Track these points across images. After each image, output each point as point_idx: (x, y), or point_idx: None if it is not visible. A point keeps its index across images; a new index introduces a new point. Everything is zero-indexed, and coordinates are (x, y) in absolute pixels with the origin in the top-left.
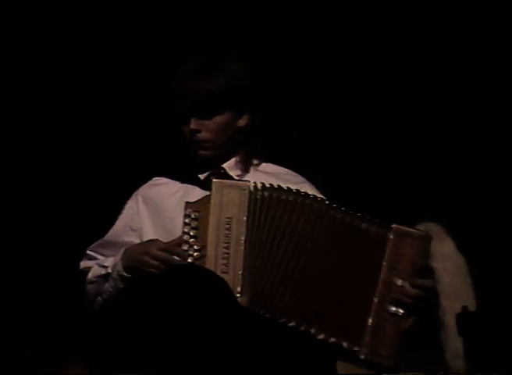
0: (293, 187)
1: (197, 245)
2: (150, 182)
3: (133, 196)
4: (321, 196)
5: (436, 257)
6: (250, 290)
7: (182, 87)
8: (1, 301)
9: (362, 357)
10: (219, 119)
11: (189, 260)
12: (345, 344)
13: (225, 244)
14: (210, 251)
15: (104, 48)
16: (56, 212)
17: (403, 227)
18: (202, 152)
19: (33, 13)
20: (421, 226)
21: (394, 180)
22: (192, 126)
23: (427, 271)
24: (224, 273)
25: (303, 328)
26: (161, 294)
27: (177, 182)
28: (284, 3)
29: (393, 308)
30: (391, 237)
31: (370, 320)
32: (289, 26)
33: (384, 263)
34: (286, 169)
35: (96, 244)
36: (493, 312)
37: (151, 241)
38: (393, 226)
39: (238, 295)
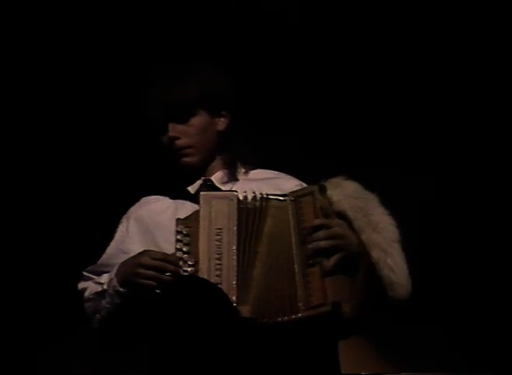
0: (284, 193)
1: (191, 261)
2: (139, 202)
3: (124, 219)
4: None
5: (341, 201)
6: (251, 299)
7: (154, 96)
8: (2, 302)
9: (300, 315)
10: (195, 121)
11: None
12: (300, 315)
13: (218, 256)
14: (203, 264)
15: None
16: (55, 215)
17: (297, 191)
18: (185, 160)
19: (34, 13)
20: (320, 183)
21: (402, 186)
22: (170, 133)
23: (339, 217)
24: (218, 284)
25: (274, 320)
26: (158, 305)
27: (167, 198)
28: (286, 7)
29: (311, 260)
30: (288, 203)
31: (298, 282)
32: (294, 32)
33: (292, 228)
34: (277, 173)
35: (91, 267)
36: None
37: (142, 252)
38: (288, 193)
39: (234, 305)
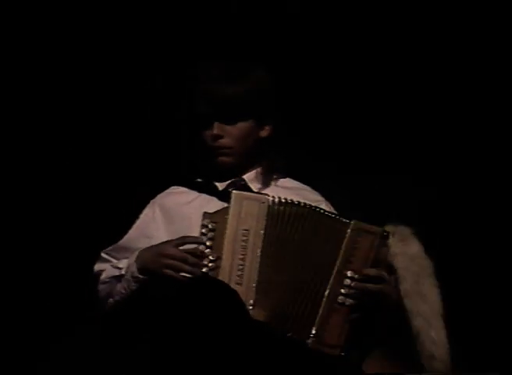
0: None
1: (213, 256)
2: (168, 190)
3: (150, 204)
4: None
5: (399, 257)
6: (268, 305)
7: (208, 90)
8: (1, 302)
9: (308, 342)
10: (243, 125)
11: (203, 270)
12: (308, 342)
13: (241, 256)
14: (225, 262)
15: (116, 49)
16: (69, 216)
17: (362, 223)
18: (222, 159)
19: (33, 13)
20: (390, 227)
21: (406, 193)
22: (215, 131)
23: (388, 269)
24: (238, 284)
25: (283, 332)
26: (171, 302)
27: (195, 191)
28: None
29: (341, 299)
30: (349, 231)
31: (321, 312)
32: (300, 36)
33: (339, 256)
34: (304, 185)
35: (110, 247)
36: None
37: (166, 242)
38: (352, 221)
39: (250, 308)
